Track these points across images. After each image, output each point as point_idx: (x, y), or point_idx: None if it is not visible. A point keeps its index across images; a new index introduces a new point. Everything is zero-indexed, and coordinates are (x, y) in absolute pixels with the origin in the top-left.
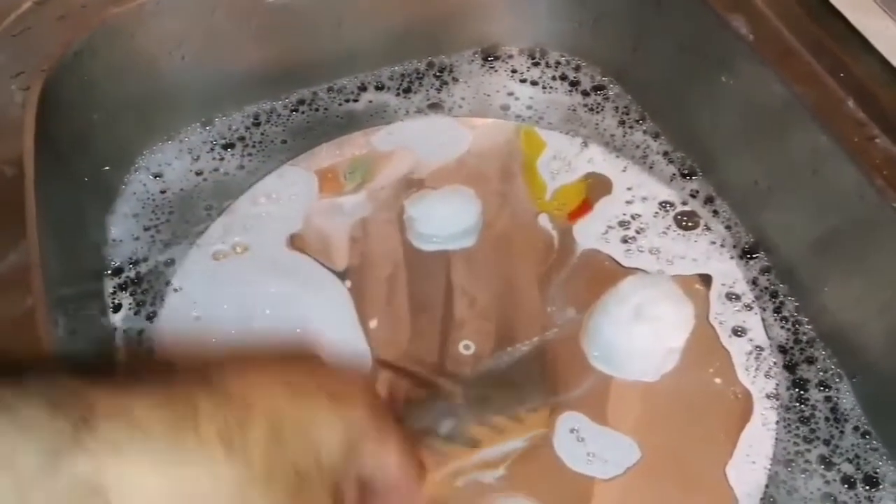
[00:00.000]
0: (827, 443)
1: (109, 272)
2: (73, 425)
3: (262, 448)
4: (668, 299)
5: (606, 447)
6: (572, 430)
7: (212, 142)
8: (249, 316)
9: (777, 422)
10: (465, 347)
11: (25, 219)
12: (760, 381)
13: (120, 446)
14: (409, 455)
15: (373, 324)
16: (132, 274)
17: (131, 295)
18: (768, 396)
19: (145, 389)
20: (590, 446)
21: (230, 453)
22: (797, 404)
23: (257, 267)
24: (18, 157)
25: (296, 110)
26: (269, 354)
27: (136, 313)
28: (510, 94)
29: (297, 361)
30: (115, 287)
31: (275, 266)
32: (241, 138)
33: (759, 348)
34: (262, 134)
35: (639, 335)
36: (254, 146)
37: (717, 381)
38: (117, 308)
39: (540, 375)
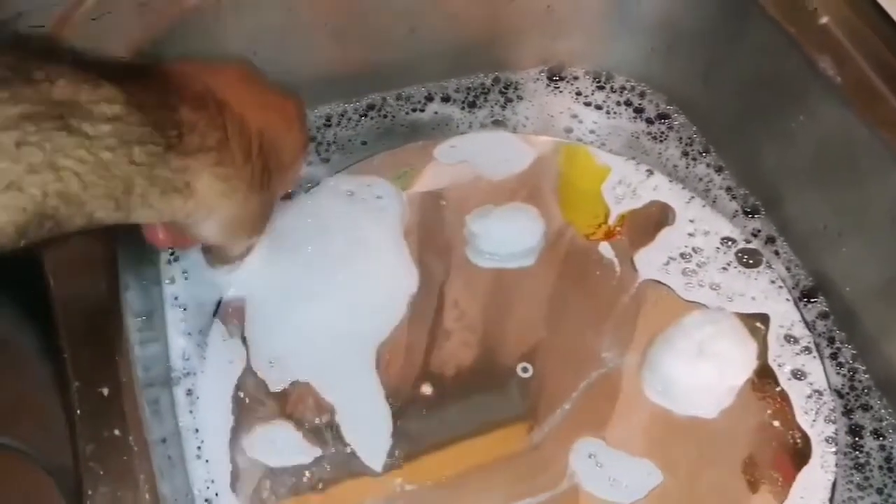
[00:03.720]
0: (880, 492)
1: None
2: (177, 133)
3: (255, 156)
4: (731, 337)
5: (645, 481)
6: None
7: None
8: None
9: (836, 465)
10: (524, 370)
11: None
12: (820, 425)
13: (196, 152)
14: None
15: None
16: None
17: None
18: (827, 441)
19: (198, 109)
20: (624, 479)
21: (245, 162)
22: (851, 451)
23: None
24: None
25: (365, 115)
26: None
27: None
28: (574, 116)
29: (258, 84)
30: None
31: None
32: (313, 138)
33: (819, 392)
34: (335, 135)
35: (701, 372)
36: (328, 146)
37: (776, 423)
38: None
39: (594, 405)
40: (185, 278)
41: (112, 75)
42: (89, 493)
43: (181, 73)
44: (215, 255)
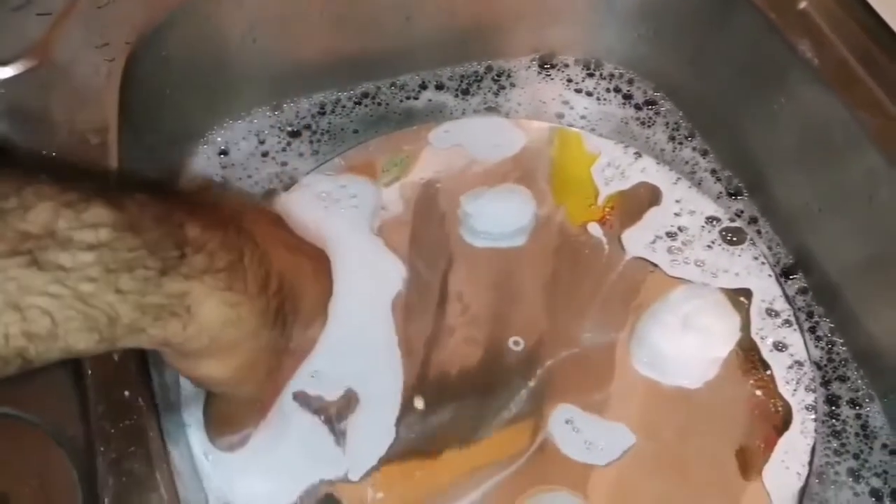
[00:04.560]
0: (856, 457)
1: None
2: (178, 254)
3: (272, 294)
4: (715, 311)
5: (619, 443)
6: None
7: (279, 126)
8: None
9: (815, 430)
10: (515, 343)
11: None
12: (800, 394)
13: (201, 273)
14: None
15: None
16: None
17: None
18: (807, 408)
19: (211, 229)
20: (595, 440)
21: (260, 294)
22: (828, 419)
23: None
24: (103, 126)
25: (359, 103)
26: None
27: None
28: (565, 102)
29: (287, 229)
30: None
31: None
32: (308, 126)
33: (799, 363)
34: (329, 123)
35: (687, 343)
36: (321, 134)
37: (758, 392)
38: None
39: (583, 376)
40: None
41: (108, 189)
42: (101, 449)
43: (201, 194)
44: (213, 418)
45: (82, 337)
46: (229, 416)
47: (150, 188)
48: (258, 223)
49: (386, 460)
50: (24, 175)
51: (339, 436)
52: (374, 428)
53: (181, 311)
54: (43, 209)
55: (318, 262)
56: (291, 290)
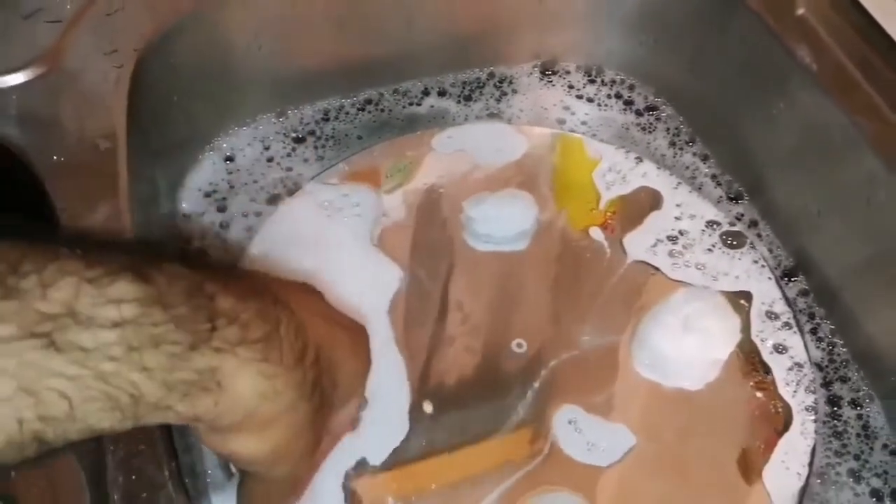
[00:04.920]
0: (857, 458)
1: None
2: (209, 327)
3: (309, 366)
4: (716, 313)
5: (620, 444)
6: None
7: (283, 133)
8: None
9: (816, 431)
10: (518, 346)
11: (118, 193)
12: (801, 396)
13: (234, 347)
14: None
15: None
16: (197, 246)
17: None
18: (807, 409)
19: (245, 299)
20: (597, 441)
21: (297, 365)
22: (829, 420)
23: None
24: (112, 131)
25: (363, 109)
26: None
27: None
28: (566, 108)
29: (325, 302)
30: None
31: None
32: (312, 132)
33: (800, 365)
34: (332, 129)
35: (687, 345)
36: (326, 140)
37: (759, 394)
38: None
39: (584, 377)
40: None
41: (136, 261)
42: (111, 448)
43: (233, 269)
44: (248, 497)
45: (104, 416)
46: (264, 496)
47: (180, 260)
48: (294, 293)
49: (391, 463)
50: (47, 251)
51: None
52: (386, 426)
53: (212, 386)
54: (64, 286)
55: (356, 334)
56: (329, 362)
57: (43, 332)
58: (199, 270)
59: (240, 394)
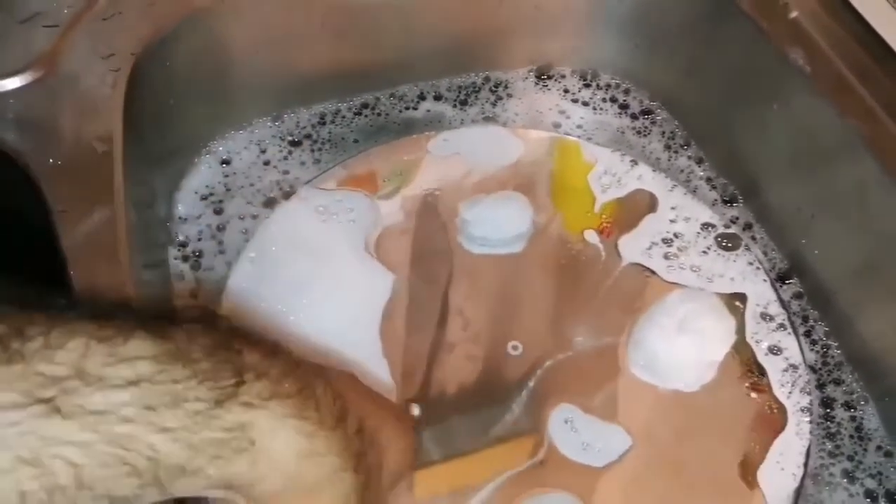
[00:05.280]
0: (851, 458)
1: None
2: (236, 381)
3: (352, 433)
4: (711, 314)
5: (616, 445)
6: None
7: (280, 136)
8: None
9: (810, 432)
10: (514, 348)
11: (114, 196)
12: (795, 397)
13: (266, 400)
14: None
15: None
16: (194, 248)
17: (192, 269)
18: (802, 410)
19: (273, 357)
20: (593, 442)
21: (337, 426)
22: (823, 421)
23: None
24: (109, 134)
25: (359, 113)
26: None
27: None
28: (561, 112)
29: (364, 384)
30: (177, 257)
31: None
32: (308, 136)
33: (794, 367)
34: (329, 133)
35: (682, 346)
36: (322, 144)
37: (753, 395)
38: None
39: (579, 379)
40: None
41: (153, 320)
42: None
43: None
44: None
45: (121, 483)
46: None
47: (203, 321)
48: (329, 369)
49: None
50: (56, 314)
51: None
52: None
53: (245, 445)
54: (73, 347)
55: (400, 418)
56: (373, 437)
57: (47, 398)
58: (222, 329)
59: (277, 453)
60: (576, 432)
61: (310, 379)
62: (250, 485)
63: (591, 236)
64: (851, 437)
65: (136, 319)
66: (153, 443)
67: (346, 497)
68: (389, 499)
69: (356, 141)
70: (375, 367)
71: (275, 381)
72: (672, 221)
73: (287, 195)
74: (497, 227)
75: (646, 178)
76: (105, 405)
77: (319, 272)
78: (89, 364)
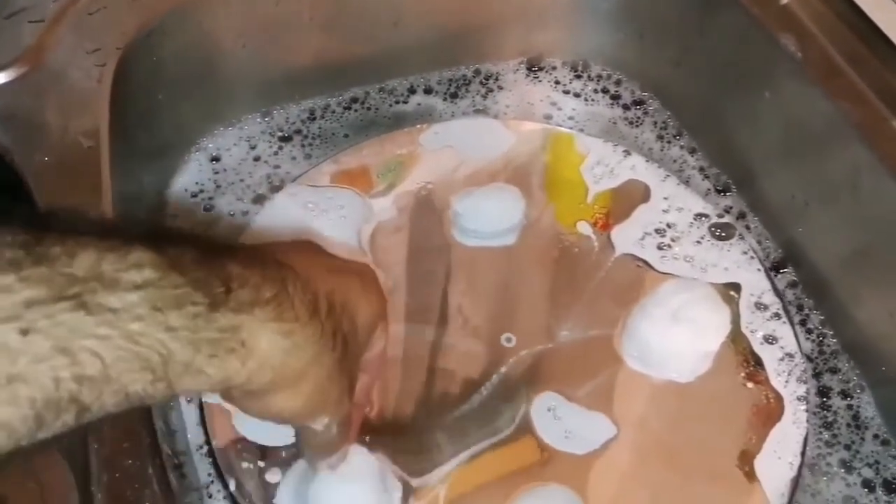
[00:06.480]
0: (848, 447)
1: None
2: (224, 289)
3: (325, 317)
4: (705, 303)
5: (612, 439)
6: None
7: (269, 132)
8: None
9: (807, 420)
10: (507, 340)
11: (101, 191)
12: (792, 385)
13: (250, 307)
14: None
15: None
16: None
17: None
18: (799, 399)
19: (251, 266)
20: (584, 433)
21: (312, 319)
22: (820, 410)
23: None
24: (95, 129)
25: (349, 108)
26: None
27: None
28: (553, 103)
29: (325, 253)
30: None
31: None
32: (298, 131)
33: (790, 355)
34: (319, 128)
35: (676, 337)
36: (312, 139)
37: (750, 385)
38: None
39: (575, 372)
40: None
41: (145, 239)
42: (95, 447)
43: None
44: (306, 444)
45: (135, 378)
46: (320, 443)
47: (179, 236)
48: (294, 254)
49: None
50: (63, 231)
51: None
52: None
53: (237, 346)
54: (87, 255)
55: (364, 275)
56: (344, 308)
57: (73, 294)
58: (206, 244)
59: (264, 351)
60: (569, 427)
61: (281, 279)
62: (244, 382)
63: (584, 227)
64: (848, 425)
65: (130, 235)
66: (162, 340)
67: (329, 375)
68: (371, 355)
69: (346, 135)
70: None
71: (254, 288)
72: (665, 212)
73: (277, 190)
74: (490, 219)
75: (638, 169)
76: (120, 304)
77: None
78: (104, 268)
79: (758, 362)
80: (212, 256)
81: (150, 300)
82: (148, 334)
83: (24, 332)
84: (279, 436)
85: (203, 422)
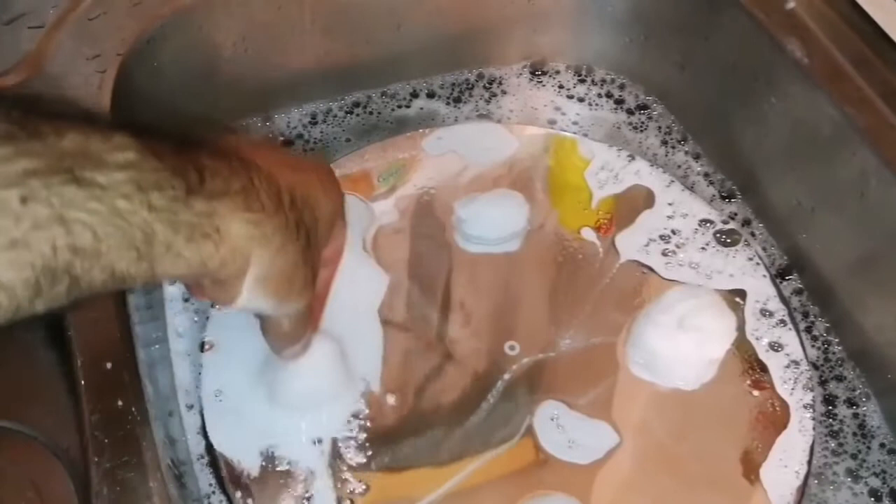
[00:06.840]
0: (854, 457)
1: None
2: (198, 177)
3: (288, 209)
4: (711, 310)
5: (617, 447)
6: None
7: (271, 136)
8: None
9: (814, 428)
10: (511, 348)
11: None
12: (798, 393)
13: (221, 196)
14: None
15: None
16: None
17: None
18: (805, 407)
19: (218, 159)
20: (589, 442)
21: (277, 210)
22: (826, 419)
23: None
24: None
25: (350, 112)
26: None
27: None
28: (557, 108)
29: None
30: None
31: None
32: (300, 135)
33: (796, 363)
34: (321, 132)
35: (681, 344)
36: (314, 143)
37: (755, 392)
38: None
39: (578, 380)
40: None
41: (124, 127)
42: (95, 459)
43: (201, 135)
44: (272, 334)
45: (122, 255)
46: (284, 332)
47: (154, 128)
48: (256, 150)
49: (374, 466)
50: (54, 112)
51: None
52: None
53: (211, 231)
54: (76, 134)
55: (321, 172)
56: (305, 202)
57: (66, 167)
58: (178, 136)
59: (235, 240)
60: (571, 434)
61: (248, 173)
62: (216, 269)
63: (588, 233)
64: (854, 434)
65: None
66: (146, 219)
67: (294, 264)
68: (331, 247)
69: (348, 140)
70: (372, 365)
71: (225, 179)
72: (670, 217)
73: None
74: (493, 225)
75: (643, 174)
76: (108, 181)
77: None
78: (91, 147)
79: (763, 370)
80: (185, 148)
81: (135, 180)
82: (134, 212)
83: (24, 200)
84: (280, 444)
85: (204, 431)
